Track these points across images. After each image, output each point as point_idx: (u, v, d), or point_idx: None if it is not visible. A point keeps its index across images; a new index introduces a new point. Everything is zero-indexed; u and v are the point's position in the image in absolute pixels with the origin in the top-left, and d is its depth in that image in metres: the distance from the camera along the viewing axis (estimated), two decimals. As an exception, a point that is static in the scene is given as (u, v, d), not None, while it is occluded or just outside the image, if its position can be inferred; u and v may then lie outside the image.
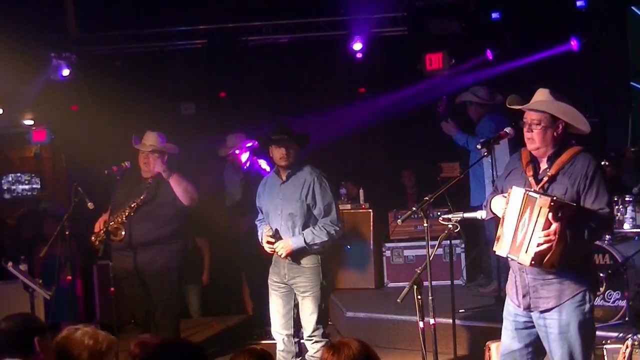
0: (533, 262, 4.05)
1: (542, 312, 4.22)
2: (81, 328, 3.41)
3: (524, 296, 4.26)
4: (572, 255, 4.08)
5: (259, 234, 5.90)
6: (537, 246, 3.99)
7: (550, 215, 3.92)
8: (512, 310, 4.38)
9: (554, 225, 3.94)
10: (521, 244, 4.07)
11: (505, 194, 4.19)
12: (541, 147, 4.21)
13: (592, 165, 4.15)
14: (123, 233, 6.36)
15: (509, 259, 4.27)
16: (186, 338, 3.07)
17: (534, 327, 4.31)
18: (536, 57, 8.33)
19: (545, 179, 4.17)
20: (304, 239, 5.57)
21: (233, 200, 8.02)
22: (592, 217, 4.09)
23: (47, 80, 8.92)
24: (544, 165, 4.25)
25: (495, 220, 4.35)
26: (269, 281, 5.85)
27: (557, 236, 3.95)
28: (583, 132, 4.30)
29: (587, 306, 4.20)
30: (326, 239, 5.61)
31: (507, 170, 4.47)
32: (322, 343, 5.63)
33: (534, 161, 4.28)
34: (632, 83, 8.94)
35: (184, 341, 3.26)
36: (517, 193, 4.10)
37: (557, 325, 4.18)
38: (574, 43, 8.20)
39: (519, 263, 4.17)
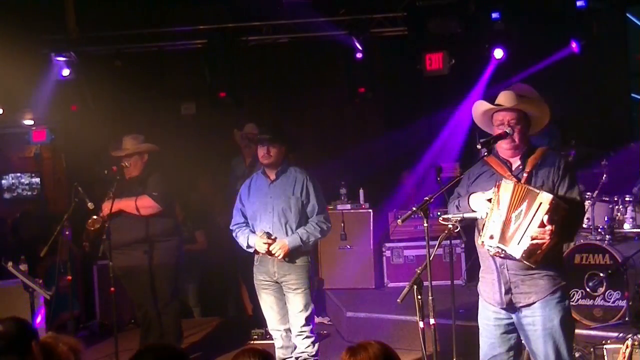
0: (524, 255, 4.14)
1: (523, 307, 4.29)
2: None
3: (505, 293, 4.32)
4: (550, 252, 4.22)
5: (241, 239, 5.88)
6: (531, 239, 4.10)
7: (549, 213, 4.04)
8: (491, 314, 4.43)
9: (551, 226, 4.07)
10: (513, 234, 4.15)
11: (483, 192, 4.29)
12: (519, 144, 4.35)
13: (562, 159, 4.41)
14: (100, 226, 6.41)
15: (488, 255, 4.33)
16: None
17: (515, 330, 4.38)
18: (540, 64, 8.34)
19: (525, 175, 4.30)
20: (300, 237, 5.61)
21: (233, 192, 8.01)
22: (574, 215, 4.26)
23: (54, 81, 8.93)
24: (516, 163, 4.38)
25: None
26: (255, 282, 5.88)
27: (551, 235, 4.08)
28: (540, 127, 4.45)
29: (567, 302, 4.35)
30: (320, 235, 5.81)
31: (471, 177, 4.51)
32: (312, 339, 5.68)
33: (504, 162, 4.39)
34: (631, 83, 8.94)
35: (168, 345, 3.22)
36: (507, 185, 4.19)
37: (540, 321, 4.27)
38: (574, 45, 8.21)
39: (501, 257, 4.25)
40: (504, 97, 4.42)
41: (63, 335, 3.43)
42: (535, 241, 4.10)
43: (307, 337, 5.72)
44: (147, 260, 6.50)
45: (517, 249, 4.14)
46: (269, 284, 5.78)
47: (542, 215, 4.05)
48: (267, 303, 5.82)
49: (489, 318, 4.44)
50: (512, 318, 4.37)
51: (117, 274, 6.62)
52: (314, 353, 5.74)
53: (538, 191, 4.09)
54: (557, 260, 4.38)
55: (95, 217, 6.42)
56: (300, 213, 5.72)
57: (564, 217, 4.14)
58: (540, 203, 4.05)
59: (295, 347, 5.80)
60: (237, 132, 7.98)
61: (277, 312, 5.79)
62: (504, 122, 4.33)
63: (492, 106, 4.41)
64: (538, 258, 4.17)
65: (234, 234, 5.95)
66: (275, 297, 5.78)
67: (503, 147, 4.36)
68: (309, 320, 5.74)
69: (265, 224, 5.76)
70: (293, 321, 5.75)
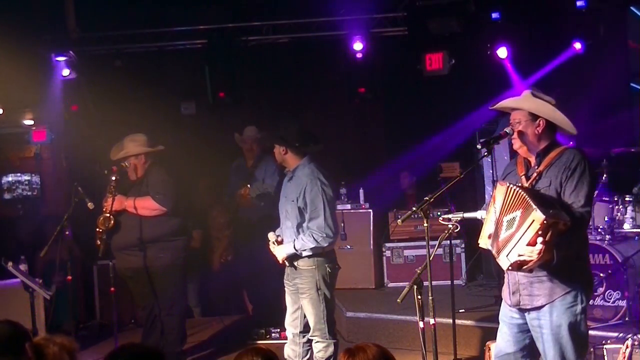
0: (510, 268, 4.09)
1: (532, 310, 4.21)
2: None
3: (513, 293, 4.28)
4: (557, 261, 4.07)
5: None
6: (519, 256, 3.99)
7: (540, 232, 3.89)
8: (508, 312, 4.39)
9: (540, 246, 3.92)
10: (504, 244, 4.07)
11: None
12: (523, 145, 4.28)
13: (577, 158, 4.20)
14: (112, 222, 6.39)
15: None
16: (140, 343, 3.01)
17: (529, 330, 4.31)
18: (545, 67, 8.35)
19: (534, 175, 4.23)
20: (294, 246, 5.53)
21: (233, 193, 8.01)
22: (575, 226, 4.04)
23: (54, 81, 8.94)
24: (533, 162, 4.32)
25: None
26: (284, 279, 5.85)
27: (540, 255, 3.94)
28: (569, 132, 4.35)
29: (579, 307, 4.17)
30: (312, 245, 5.47)
31: (504, 174, 4.53)
32: (325, 344, 5.61)
33: (526, 162, 4.35)
34: (631, 84, 8.94)
35: (141, 345, 3.23)
36: (500, 187, 4.16)
37: (548, 325, 4.18)
38: (578, 46, 8.21)
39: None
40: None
41: (57, 335, 3.42)
42: (522, 258, 3.98)
43: (318, 342, 5.62)
44: (154, 261, 6.47)
45: (504, 261, 4.07)
46: (288, 285, 5.76)
47: (532, 234, 3.90)
48: (287, 303, 5.80)
49: (507, 316, 4.39)
50: (525, 319, 4.30)
51: (124, 275, 6.61)
52: (324, 359, 5.66)
53: (534, 206, 3.91)
54: (573, 262, 4.17)
55: (107, 214, 6.39)
56: (298, 218, 5.55)
57: (564, 231, 3.97)
58: (533, 221, 3.89)
59: (301, 353, 5.76)
60: (239, 137, 8.01)
61: (290, 313, 5.75)
62: (511, 122, 4.30)
63: (497, 109, 4.43)
64: (531, 269, 4.06)
65: None
66: (292, 298, 5.73)
67: (514, 146, 4.34)
68: (317, 325, 5.59)
69: (281, 223, 5.77)
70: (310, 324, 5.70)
